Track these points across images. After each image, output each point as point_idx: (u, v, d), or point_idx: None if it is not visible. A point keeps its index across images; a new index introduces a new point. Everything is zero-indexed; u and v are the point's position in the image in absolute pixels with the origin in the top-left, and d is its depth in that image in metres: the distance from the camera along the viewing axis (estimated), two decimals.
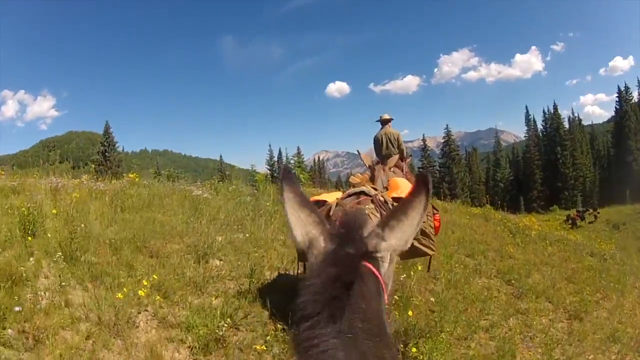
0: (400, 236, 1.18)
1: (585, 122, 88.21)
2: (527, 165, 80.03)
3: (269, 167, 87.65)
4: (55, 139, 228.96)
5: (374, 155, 8.81)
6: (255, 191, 13.04)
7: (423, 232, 5.03)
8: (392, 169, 6.84)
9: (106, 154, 65.28)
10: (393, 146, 8.98)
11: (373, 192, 5.09)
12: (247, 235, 8.62)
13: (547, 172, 76.59)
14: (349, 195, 5.16)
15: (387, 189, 5.50)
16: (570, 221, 49.03)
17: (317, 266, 1.07)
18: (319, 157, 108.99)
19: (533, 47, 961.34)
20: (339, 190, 7.35)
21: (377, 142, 9.16)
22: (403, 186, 5.32)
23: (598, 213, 51.48)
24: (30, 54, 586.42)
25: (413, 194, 1.18)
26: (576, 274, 11.04)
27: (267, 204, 10.92)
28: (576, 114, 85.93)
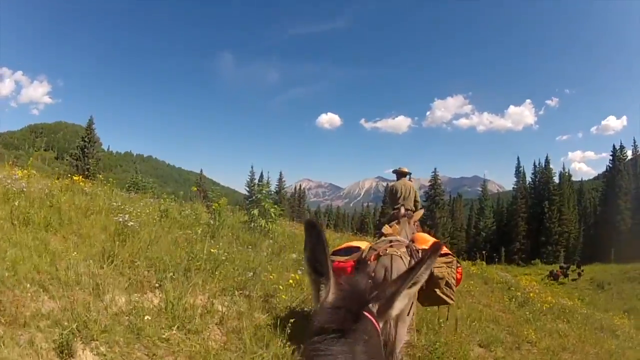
0: (403, 299, 1.26)
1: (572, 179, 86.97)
2: (511, 216, 79.24)
3: (248, 190, 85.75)
4: (44, 125, 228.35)
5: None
6: (212, 222, 10.64)
7: (447, 283, 5.24)
8: (415, 223, 6.98)
9: (85, 149, 62.55)
10: (407, 198, 8.55)
11: (405, 241, 5.38)
12: (162, 305, 5.79)
13: (532, 225, 75.84)
14: (381, 240, 5.46)
15: (413, 241, 5.67)
16: (552, 277, 48.50)
17: (333, 299, 1.19)
18: (300, 185, 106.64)
19: (528, 101, 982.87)
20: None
21: (394, 192, 8.69)
22: (430, 240, 5.54)
23: (582, 271, 50.30)
24: (35, 36, 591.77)
25: (426, 261, 1.27)
26: None
27: (217, 246, 8.59)
28: (567, 170, 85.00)
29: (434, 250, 1.30)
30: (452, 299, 5.41)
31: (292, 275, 8.39)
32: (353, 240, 6.62)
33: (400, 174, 9.09)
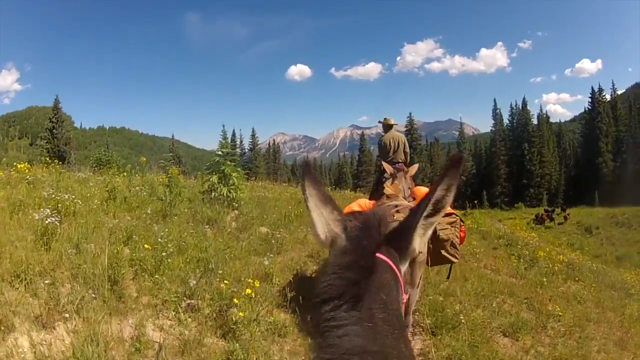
0: (423, 232, 1.14)
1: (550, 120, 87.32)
2: (491, 159, 79.15)
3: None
4: (15, 114, 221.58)
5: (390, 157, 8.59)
6: (166, 196, 8.94)
7: (452, 244, 5.19)
8: (411, 178, 6.85)
9: (54, 130, 59.37)
10: (398, 150, 8.77)
11: (407, 203, 5.11)
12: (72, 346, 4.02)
13: (512, 167, 75.99)
14: (386, 205, 4.92)
15: (414, 198, 5.65)
16: (538, 221, 48.28)
17: (333, 256, 1.05)
18: (274, 140, 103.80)
19: (499, 43, 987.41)
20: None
21: (384, 146, 8.83)
22: None
23: (568, 215, 49.99)
24: None
25: (444, 179, 1.10)
26: (627, 333, 8.39)
27: (165, 230, 6.96)
28: (545, 111, 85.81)
29: (454, 163, 1.09)
30: (457, 258, 5.33)
31: (259, 260, 6.83)
32: (352, 200, 6.36)
33: (387, 126, 9.19)
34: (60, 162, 13.78)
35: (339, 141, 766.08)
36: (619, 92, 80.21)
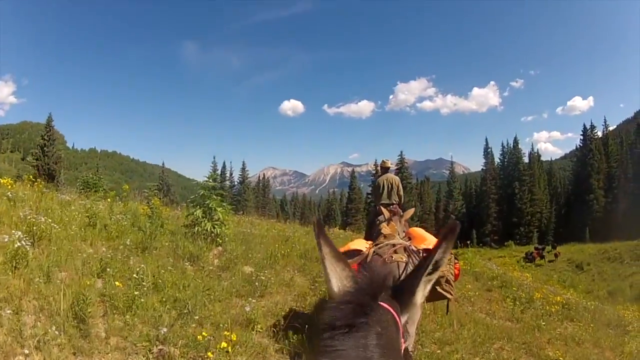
0: (424, 287, 1.24)
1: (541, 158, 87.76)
2: (481, 198, 79.07)
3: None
4: (9, 126, 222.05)
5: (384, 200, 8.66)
6: (146, 227, 8.63)
7: (447, 280, 5.22)
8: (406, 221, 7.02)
9: (45, 148, 58.45)
10: (393, 192, 8.83)
11: (405, 242, 5.32)
12: None
13: (502, 206, 75.85)
14: (384, 245, 5.31)
15: (410, 238, 5.76)
16: (528, 259, 48.00)
17: (344, 294, 1.12)
18: (264, 175, 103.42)
19: (492, 82, 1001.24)
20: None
21: (378, 188, 8.96)
22: (428, 237, 5.60)
23: (559, 252, 49.08)
24: None
25: (442, 243, 1.22)
26: None
27: (139, 267, 6.54)
28: (536, 150, 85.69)
29: (451, 230, 1.23)
30: (451, 294, 5.34)
31: (241, 303, 6.36)
32: (350, 240, 6.36)
33: (383, 169, 9.38)
34: (49, 181, 13.27)
35: (329, 177, 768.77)
36: (611, 129, 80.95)
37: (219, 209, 9.42)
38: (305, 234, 14.54)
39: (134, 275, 6.05)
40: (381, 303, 1.12)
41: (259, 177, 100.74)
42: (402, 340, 1.17)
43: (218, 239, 9.37)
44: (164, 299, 5.95)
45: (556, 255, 48.20)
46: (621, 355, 9.17)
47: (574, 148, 79.30)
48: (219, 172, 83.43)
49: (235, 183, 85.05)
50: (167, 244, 8.51)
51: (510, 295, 11.74)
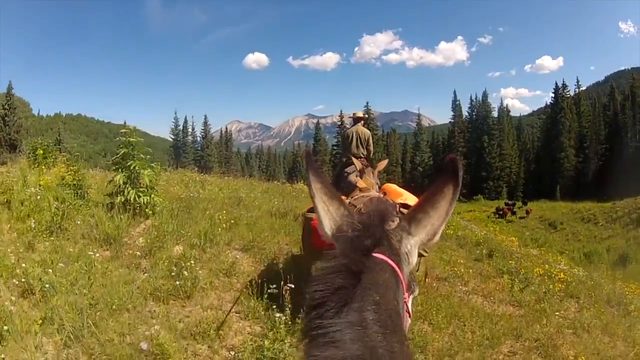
0: (429, 229, 1.12)
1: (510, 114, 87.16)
2: (449, 151, 76.24)
3: (173, 137, 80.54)
4: None
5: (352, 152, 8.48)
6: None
7: None
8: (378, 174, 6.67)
9: (6, 118, 55.69)
10: (362, 145, 8.70)
11: (383, 197, 4.74)
12: None
13: (471, 159, 74.66)
14: (359, 196, 5.09)
15: (385, 194, 5.24)
16: (499, 214, 47.74)
17: (330, 257, 1.01)
18: (226, 128, 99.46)
19: (459, 37, 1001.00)
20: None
21: (347, 139, 8.77)
22: (404, 193, 5.24)
23: (530, 209, 48.86)
24: None
25: (441, 182, 1.11)
26: None
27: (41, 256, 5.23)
28: (505, 105, 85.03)
29: (454, 167, 1.08)
30: (426, 251, 4.70)
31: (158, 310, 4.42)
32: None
33: (356, 120, 9.19)
34: (11, 151, 11.62)
35: (294, 129, 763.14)
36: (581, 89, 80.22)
37: (145, 172, 7.24)
38: (263, 193, 12.52)
39: (22, 279, 4.49)
40: (377, 255, 1.00)
41: (220, 131, 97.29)
42: (406, 295, 1.08)
43: (147, 210, 7.28)
44: (49, 315, 4.12)
45: (527, 212, 47.97)
46: (633, 345, 8.00)
47: (543, 105, 78.66)
48: (180, 127, 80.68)
49: (198, 138, 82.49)
50: (79, 222, 6.65)
51: (504, 268, 10.19)
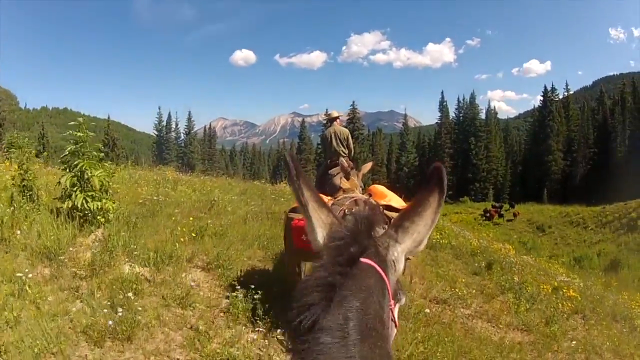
0: (415, 237, 1.12)
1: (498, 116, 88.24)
2: (435, 152, 77.08)
3: (156, 133, 79.04)
4: None
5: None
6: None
7: None
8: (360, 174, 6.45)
9: None
10: (342, 145, 8.67)
11: (365, 197, 4.99)
12: None
13: (458, 161, 74.54)
14: (343, 197, 5.08)
15: (370, 195, 5.27)
16: (486, 216, 47.65)
17: (311, 270, 1.01)
18: (210, 125, 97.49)
19: (447, 39, 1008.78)
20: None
21: (326, 140, 8.79)
22: (389, 194, 5.21)
23: (518, 212, 48.36)
24: None
25: (426, 190, 1.11)
26: None
27: None
28: (493, 107, 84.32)
29: (439, 176, 1.09)
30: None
31: None
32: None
33: (331, 119, 9.15)
34: None
35: (280, 128, 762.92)
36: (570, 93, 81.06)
37: (95, 173, 6.07)
38: (240, 195, 11.41)
39: None
40: (364, 260, 0.99)
41: (205, 127, 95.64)
42: (392, 302, 1.05)
43: (99, 218, 6.12)
44: None
45: (515, 215, 47.64)
46: None
47: (530, 109, 78.77)
48: (164, 123, 79.21)
49: (181, 134, 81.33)
50: (20, 231, 5.54)
51: (507, 284, 9.24)
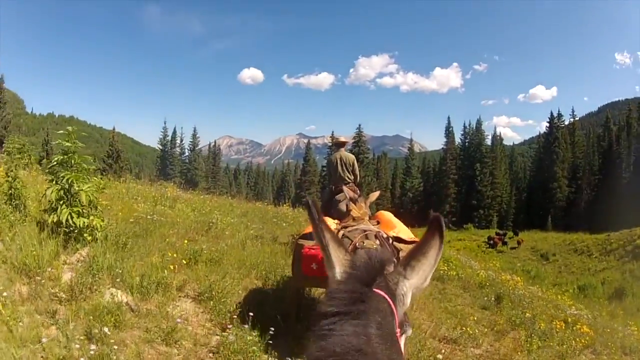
0: (421, 275, 1.18)
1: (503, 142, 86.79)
2: (440, 177, 76.66)
3: (161, 147, 78.70)
4: None
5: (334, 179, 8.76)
6: None
7: None
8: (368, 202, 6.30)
9: None
10: (348, 170, 8.64)
11: (375, 228, 5.05)
12: None
13: (462, 187, 73.92)
14: (353, 229, 5.02)
15: (378, 222, 5.47)
16: (490, 244, 46.85)
17: (334, 284, 1.10)
18: (215, 142, 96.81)
19: (455, 64, 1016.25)
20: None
21: (332, 164, 8.81)
22: (398, 224, 5.41)
23: (522, 240, 47.58)
24: None
25: (429, 234, 1.18)
26: None
27: None
28: (499, 133, 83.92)
29: (438, 223, 1.17)
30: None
31: None
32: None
33: (338, 145, 9.35)
34: None
35: (285, 148, 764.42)
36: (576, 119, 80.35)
37: (83, 187, 5.66)
38: (241, 217, 11.00)
39: None
40: (376, 290, 1.05)
41: (209, 144, 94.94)
42: (398, 331, 1.10)
43: (85, 236, 5.71)
44: None
45: (519, 243, 46.72)
46: None
47: (535, 135, 78.31)
48: (169, 137, 78.85)
49: (186, 150, 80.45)
50: (1, 243, 5.22)
51: (517, 320, 8.76)
